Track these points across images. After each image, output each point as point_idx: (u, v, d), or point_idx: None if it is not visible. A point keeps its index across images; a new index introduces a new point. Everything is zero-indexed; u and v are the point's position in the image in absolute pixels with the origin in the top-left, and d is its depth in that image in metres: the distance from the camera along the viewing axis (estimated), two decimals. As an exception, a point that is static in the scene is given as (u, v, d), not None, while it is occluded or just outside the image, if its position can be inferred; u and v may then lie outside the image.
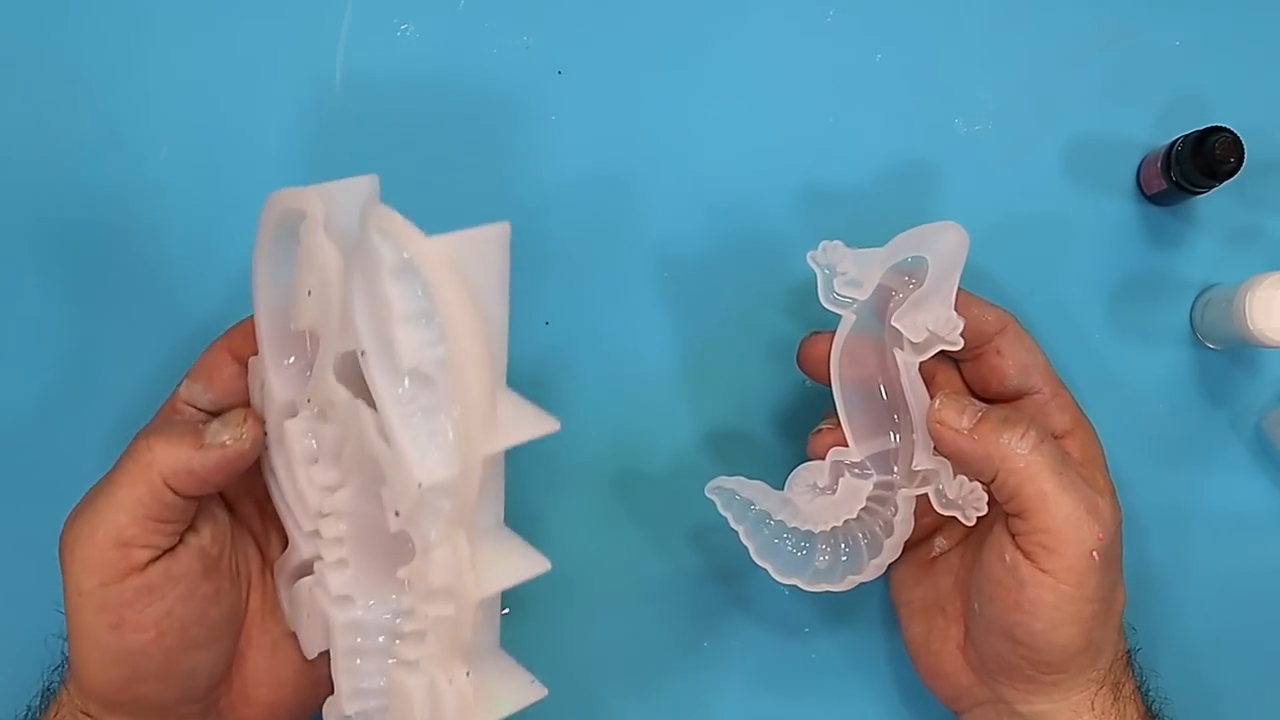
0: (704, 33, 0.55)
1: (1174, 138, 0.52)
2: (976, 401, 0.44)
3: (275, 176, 0.54)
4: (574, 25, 0.55)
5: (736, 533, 0.46)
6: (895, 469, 0.45)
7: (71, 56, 0.55)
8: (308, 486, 0.43)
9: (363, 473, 0.42)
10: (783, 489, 0.46)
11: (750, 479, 0.47)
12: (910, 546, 0.49)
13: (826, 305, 0.45)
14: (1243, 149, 0.50)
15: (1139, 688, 0.46)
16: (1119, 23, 0.56)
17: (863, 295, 0.44)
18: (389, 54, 0.55)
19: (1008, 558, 0.43)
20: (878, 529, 0.46)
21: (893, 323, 0.44)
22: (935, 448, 0.45)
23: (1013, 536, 0.43)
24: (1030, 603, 0.42)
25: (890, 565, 0.49)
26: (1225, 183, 0.50)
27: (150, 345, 0.54)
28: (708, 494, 0.47)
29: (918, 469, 0.45)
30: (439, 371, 0.37)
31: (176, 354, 0.54)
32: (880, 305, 0.45)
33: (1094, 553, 0.41)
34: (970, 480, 0.44)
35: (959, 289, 0.45)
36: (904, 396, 0.44)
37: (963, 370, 0.49)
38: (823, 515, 0.45)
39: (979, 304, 0.47)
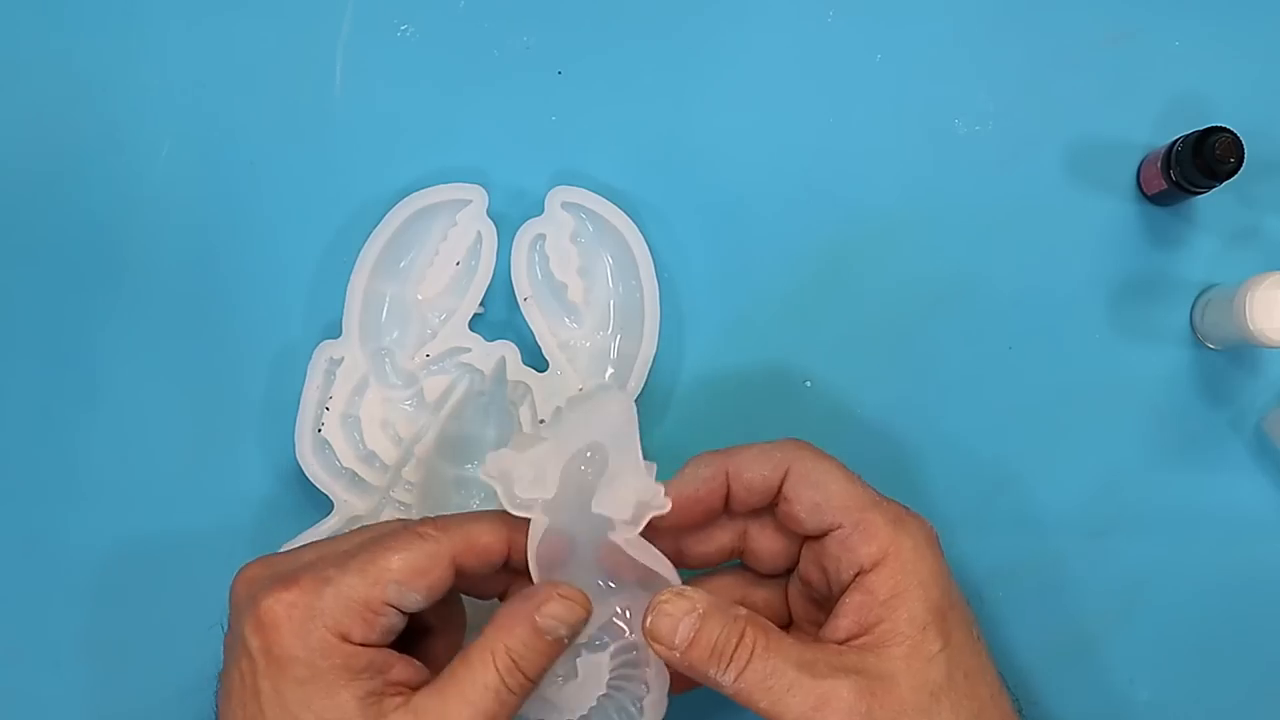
0: (704, 33, 0.55)
1: (1174, 138, 0.52)
2: (700, 600, 0.42)
3: (275, 176, 0.54)
4: (574, 25, 0.55)
5: None
6: (629, 630, 0.44)
7: (71, 56, 0.55)
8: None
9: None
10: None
11: None
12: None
13: (514, 512, 0.43)
14: (1243, 149, 0.49)
15: None
16: (1119, 23, 0.55)
17: (548, 493, 0.43)
18: (389, 54, 0.55)
19: None
20: (630, 705, 0.44)
21: (595, 511, 0.43)
22: None
23: None
24: None
25: None
26: (1225, 183, 0.50)
27: (151, 345, 0.54)
28: None
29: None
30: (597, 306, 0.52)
31: (176, 354, 0.54)
32: (575, 492, 0.44)
33: None
34: None
35: (734, 449, 0.44)
36: (630, 569, 0.44)
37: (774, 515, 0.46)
38: (575, 701, 0.44)
39: (752, 458, 0.44)
